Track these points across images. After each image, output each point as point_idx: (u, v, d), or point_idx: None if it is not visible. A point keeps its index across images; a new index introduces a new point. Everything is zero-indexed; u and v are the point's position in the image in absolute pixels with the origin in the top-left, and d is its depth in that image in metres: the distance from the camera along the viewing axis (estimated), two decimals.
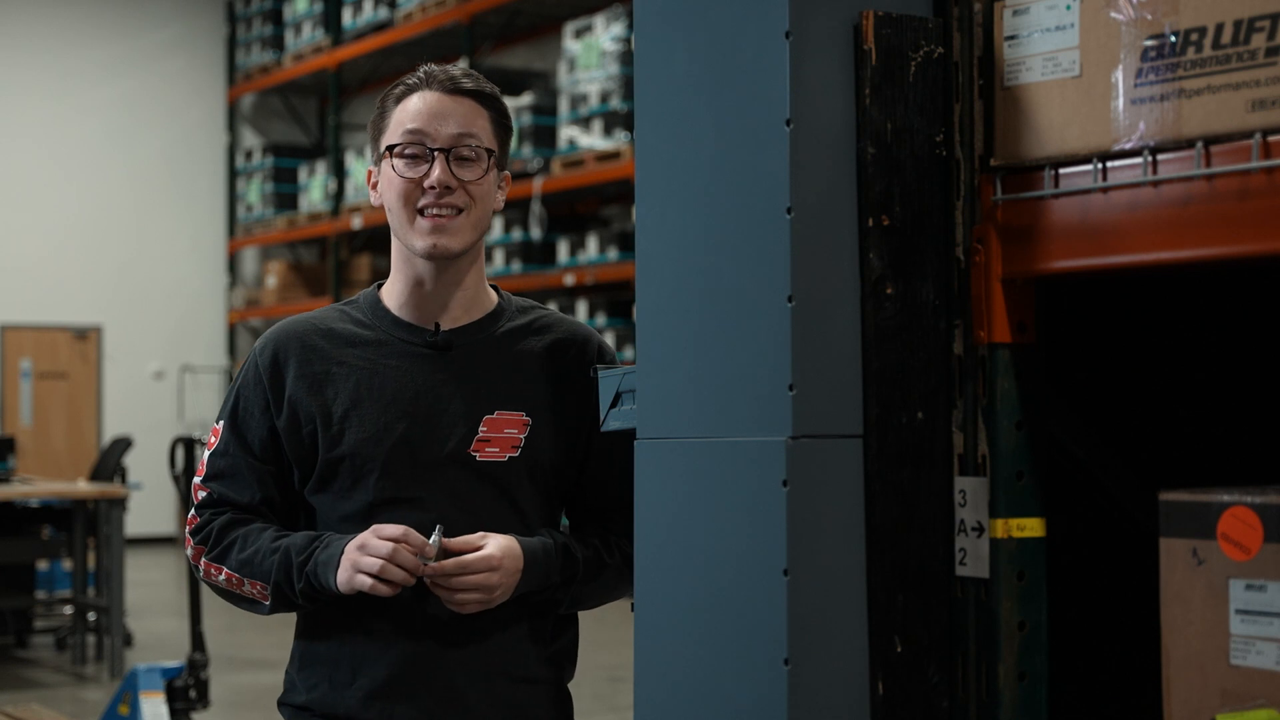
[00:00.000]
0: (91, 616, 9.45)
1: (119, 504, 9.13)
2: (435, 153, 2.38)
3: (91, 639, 9.46)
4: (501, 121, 2.45)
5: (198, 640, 6.81)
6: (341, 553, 2.34)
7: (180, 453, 7.49)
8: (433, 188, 2.37)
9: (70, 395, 16.90)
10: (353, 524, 2.40)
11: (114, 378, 17.12)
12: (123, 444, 11.15)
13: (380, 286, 2.51)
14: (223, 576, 2.45)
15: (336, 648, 2.43)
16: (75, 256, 16.87)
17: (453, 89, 2.41)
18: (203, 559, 2.46)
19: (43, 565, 10.29)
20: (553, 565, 2.40)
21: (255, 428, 2.46)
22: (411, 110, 2.40)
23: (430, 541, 2.32)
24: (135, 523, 11.63)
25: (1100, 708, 2.10)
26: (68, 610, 9.96)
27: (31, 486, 9.57)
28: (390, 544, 2.30)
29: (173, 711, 6.37)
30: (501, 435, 2.43)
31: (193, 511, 2.50)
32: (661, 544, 1.98)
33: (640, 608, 2.01)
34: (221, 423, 2.49)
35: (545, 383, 2.46)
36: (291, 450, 2.45)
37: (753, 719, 1.84)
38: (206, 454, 2.50)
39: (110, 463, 10.91)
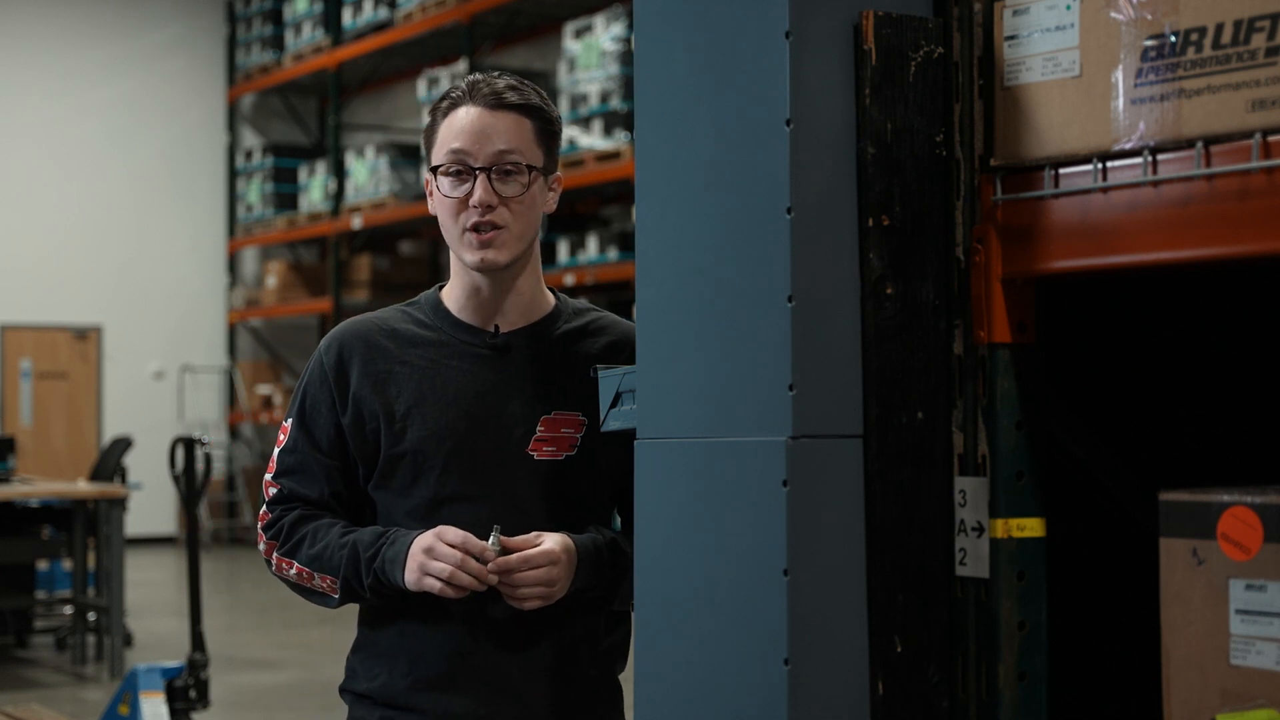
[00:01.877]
0: (91, 616, 9.45)
1: (119, 504, 9.14)
2: (477, 172, 2.43)
3: (91, 639, 9.46)
4: (547, 129, 2.49)
5: (198, 640, 6.82)
6: (407, 551, 2.40)
7: (180, 453, 7.50)
8: (475, 207, 2.42)
9: (70, 395, 16.90)
10: (415, 519, 2.46)
11: (114, 378, 17.12)
12: (123, 444, 11.15)
13: (441, 289, 2.58)
14: (294, 571, 2.52)
15: (396, 640, 2.49)
16: (75, 256, 16.87)
17: (496, 104, 2.45)
18: (275, 554, 2.54)
19: (43, 565, 10.29)
20: (604, 561, 2.45)
21: (322, 424, 2.52)
22: (456, 128, 2.45)
23: (489, 544, 2.38)
24: (135, 523, 11.63)
25: (1100, 708, 2.10)
26: (68, 610, 9.96)
27: (31, 486, 9.57)
28: (460, 553, 2.35)
29: (173, 711, 6.38)
30: (559, 435, 2.49)
31: (264, 507, 2.57)
32: (661, 544, 1.98)
33: (640, 608, 2.01)
34: (290, 420, 2.56)
35: None
36: (356, 447, 2.51)
37: (753, 719, 1.84)
38: (276, 451, 2.58)
39: (110, 463, 10.91)
